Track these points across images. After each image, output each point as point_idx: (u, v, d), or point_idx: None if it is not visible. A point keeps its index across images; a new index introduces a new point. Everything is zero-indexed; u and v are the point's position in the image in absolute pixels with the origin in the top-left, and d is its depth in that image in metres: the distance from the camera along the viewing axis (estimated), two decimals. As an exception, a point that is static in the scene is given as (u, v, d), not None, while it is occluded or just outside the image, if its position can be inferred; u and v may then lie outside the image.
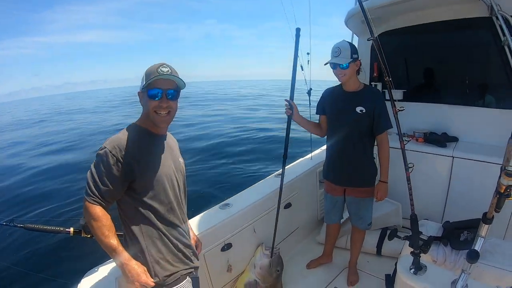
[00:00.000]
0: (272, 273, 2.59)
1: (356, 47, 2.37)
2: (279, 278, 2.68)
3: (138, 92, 1.53)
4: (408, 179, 2.09)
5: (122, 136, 1.43)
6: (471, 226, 2.03)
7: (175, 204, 1.60)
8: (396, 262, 2.01)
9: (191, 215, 2.49)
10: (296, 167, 3.51)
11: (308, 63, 2.51)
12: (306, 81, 2.62)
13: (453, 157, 3.13)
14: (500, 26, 2.43)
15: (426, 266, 1.88)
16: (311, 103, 2.77)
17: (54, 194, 7.33)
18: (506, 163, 1.31)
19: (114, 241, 1.40)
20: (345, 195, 2.65)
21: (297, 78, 2.48)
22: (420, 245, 1.89)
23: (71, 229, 1.85)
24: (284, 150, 2.61)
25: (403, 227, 3.27)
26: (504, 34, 2.37)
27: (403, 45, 3.81)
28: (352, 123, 2.39)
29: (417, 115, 3.63)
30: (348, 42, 2.34)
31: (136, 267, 1.43)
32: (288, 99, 2.53)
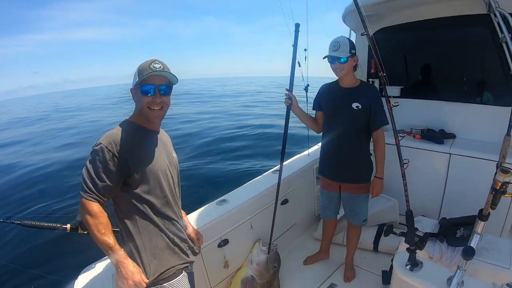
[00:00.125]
0: (269, 269, 2.60)
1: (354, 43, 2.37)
2: (276, 274, 2.69)
3: (131, 89, 1.54)
4: (403, 175, 2.09)
5: (117, 132, 1.44)
6: (468, 223, 2.04)
7: (170, 198, 1.62)
8: (393, 258, 2.02)
9: (188, 211, 2.49)
10: (293, 163, 3.52)
11: (305, 59, 2.51)
12: (303, 77, 2.62)
13: (450, 154, 3.13)
14: (498, 23, 2.43)
15: (422, 263, 1.88)
16: (308, 99, 2.77)
17: (51, 191, 7.32)
18: (502, 159, 1.32)
19: (110, 239, 1.40)
20: (341, 191, 2.65)
21: (295, 74, 2.48)
22: (416, 242, 1.89)
23: (68, 226, 1.85)
24: (283, 143, 2.61)
25: (400, 223, 3.27)
26: (502, 31, 2.36)
27: (401, 41, 3.81)
28: (348, 119, 2.39)
29: (415, 111, 3.64)
30: (347, 38, 2.34)
31: (131, 266, 1.43)
32: (288, 90, 2.54)
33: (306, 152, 3.74)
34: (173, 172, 1.68)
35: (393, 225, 2.12)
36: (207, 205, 2.69)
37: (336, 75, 2.41)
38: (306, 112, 2.68)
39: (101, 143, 1.38)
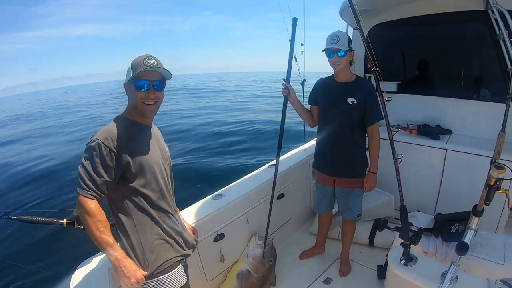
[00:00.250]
0: (265, 263, 2.61)
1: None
2: (272, 268, 2.70)
3: (124, 84, 1.55)
4: (397, 170, 2.10)
5: (112, 127, 1.45)
6: (463, 219, 2.05)
7: (165, 191, 1.64)
8: (388, 253, 2.03)
9: (184, 206, 2.49)
10: (289, 158, 3.52)
11: (302, 54, 2.50)
12: (300, 72, 2.62)
13: (446, 150, 3.14)
14: (496, 20, 2.42)
15: (416, 258, 1.90)
16: (304, 94, 2.77)
17: (47, 187, 7.32)
18: (496, 155, 1.32)
19: (110, 237, 1.40)
20: (335, 185, 2.66)
21: (292, 70, 2.48)
22: (410, 237, 1.90)
23: (64, 221, 1.84)
24: (279, 135, 2.60)
25: (395, 218, 3.28)
26: (499, 28, 2.36)
27: (398, 37, 3.80)
28: (343, 114, 2.40)
29: (411, 107, 3.64)
30: (345, 32, 2.35)
31: (132, 264, 1.45)
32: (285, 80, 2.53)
33: (302, 147, 3.74)
34: (166, 166, 1.71)
35: (387, 219, 2.14)
36: (203, 199, 2.69)
37: (333, 69, 2.41)
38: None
39: (97, 139, 1.38)
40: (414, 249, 1.96)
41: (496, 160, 1.37)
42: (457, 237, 2.01)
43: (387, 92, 2.29)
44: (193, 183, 6.52)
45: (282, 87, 2.52)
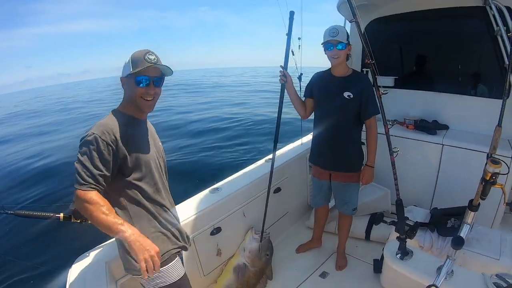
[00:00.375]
0: (261, 257, 2.62)
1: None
2: (269, 262, 2.72)
3: (121, 78, 1.54)
4: (393, 164, 2.10)
5: (109, 121, 1.44)
6: (459, 213, 2.06)
7: (160, 185, 1.64)
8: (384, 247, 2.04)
9: (181, 200, 2.50)
10: (286, 152, 3.52)
11: (299, 48, 2.49)
12: (297, 66, 2.61)
13: (443, 145, 3.15)
14: (494, 16, 2.42)
15: (412, 252, 1.91)
16: (301, 88, 2.76)
17: (45, 181, 7.31)
18: (492, 150, 1.33)
19: (118, 218, 1.35)
20: (331, 179, 2.66)
21: (289, 64, 2.47)
22: (406, 231, 1.91)
23: (61, 215, 1.83)
24: (276, 126, 2.58)
25: (392, 212, 3.30)
26: (497, 24, 2.36)
27: (396, 32, 3.79)
28: (339, 108, 2.40)
29: (408, 102, 3.64)
30: (343, 27, 2.34)
31: (147, 238, 1.39)
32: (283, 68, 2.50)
33: (299, 141, 3.74)
34: (161, 161, 1.71)
35: (383, 214, 2.14)
36: (199, 193, 2.69)
37: (331, 63, 2.41)
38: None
39: (94, 133, 1.36)
40: (410, 243, 1.97)
41: (492, 155, 1.37)
42: (453, 231, 2.02)
43: (384, 87, 2.29)
44: (190, 177, 6.52)
45: (280, 74, 2.51)
